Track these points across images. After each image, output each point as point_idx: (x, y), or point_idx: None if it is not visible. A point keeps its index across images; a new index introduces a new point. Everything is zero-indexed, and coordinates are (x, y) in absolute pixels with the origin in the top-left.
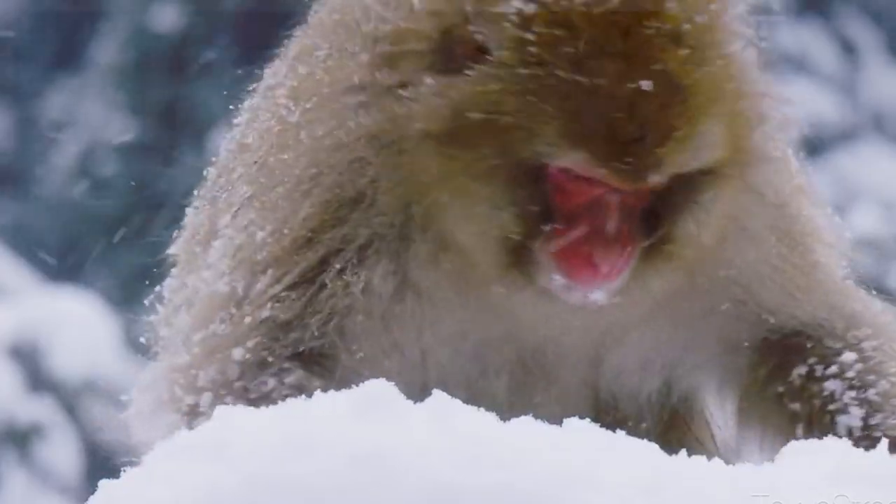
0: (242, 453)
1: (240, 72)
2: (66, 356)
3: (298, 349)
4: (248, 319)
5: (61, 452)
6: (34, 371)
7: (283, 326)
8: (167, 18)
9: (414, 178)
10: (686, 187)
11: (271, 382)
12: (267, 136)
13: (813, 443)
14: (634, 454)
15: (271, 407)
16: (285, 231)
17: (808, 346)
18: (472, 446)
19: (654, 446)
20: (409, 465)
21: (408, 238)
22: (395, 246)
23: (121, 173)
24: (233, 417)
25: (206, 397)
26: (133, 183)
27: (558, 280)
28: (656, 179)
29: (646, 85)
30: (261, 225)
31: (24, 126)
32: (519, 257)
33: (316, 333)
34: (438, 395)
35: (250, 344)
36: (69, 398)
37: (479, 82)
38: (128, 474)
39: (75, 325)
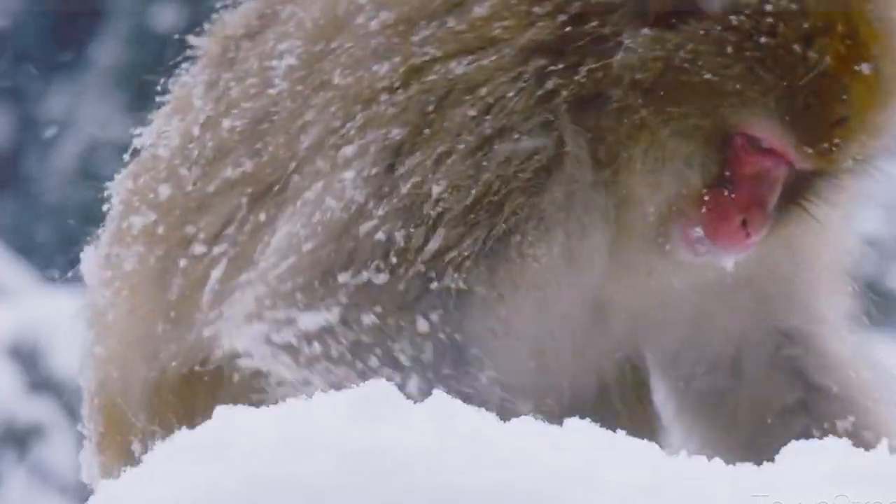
0: (242, 453)
1: None
2: (66, 356)
3: (469, 317)
4: (418, 277)
5: (61, 452)
6: (34, 371)
7: (462, 294)
8: (167, 18)
9: (612, 135)
10: (836, 174)
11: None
12: (421, 84)
13: (813, 443)
14: (634, 454)
15: (271, 407)
16: (470, 191)
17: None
18: (472, 446)
19: (654, 446)
20: (409, 465)
21: (590, 207)
22: (578, 216)
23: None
24: (233, 417)
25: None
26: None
27: (698, 234)
28: (844, 162)
29: (865, 67)
30: (431, 177)
31: (24, 126)
32: (674, 214)
33: (490, 301)
34: (438, 396)
35: (433, 317)
36: (69, 398)
37: (702, 41)
38: (128, 474)
39: (75, 325)
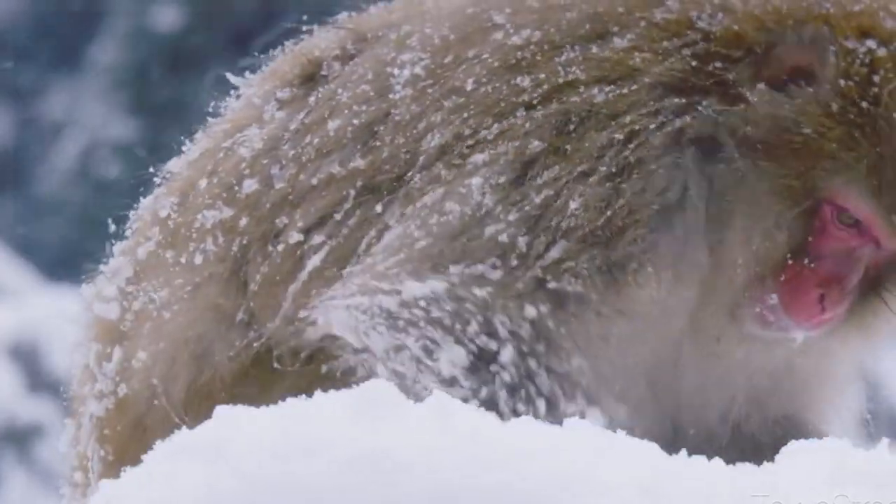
0: (242, 453)
1: (239, 70)
2: (66, 356)
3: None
4: (533, 281)
5: (61, 452)
6: (34, 371)
7: (570, 298)
8: (167, 18)
9: (720, 183)
10: None
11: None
12: (561, 104)
13: (813, 443)
14: (634, 454)
15: (271, 407)
16: (604, 212)
17: None
18: (472, 446)
19: (654, 446)
20: (409, 465)
21: (692, 257)
22: (686, 261)
23: (121, 173)
24: (233, 417)
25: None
26: (133, 183)
27: (773, 303)
28: None
29: None
30: (568, 193)
31: (24, 126)
32: (756, 282)
33: (597, 322)
34: (439, 395)
35: (543, 308)
36: (69, 398)
37: (810, 104)
38: (128, 474)
39: (75, 325)
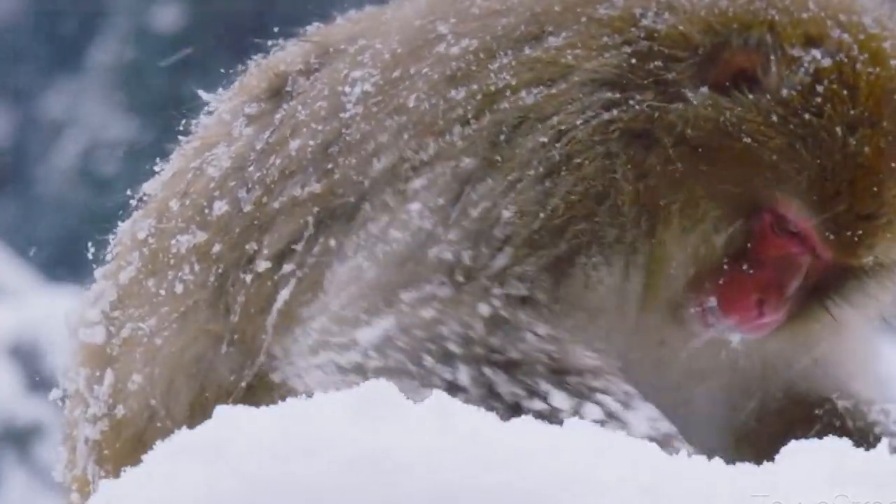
0: (242, 453)
1: (239, 70)
2: (66, 356)
3: (536, 329)
4: (481, 290)
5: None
6: (34, 371)
7: (524, 301)
8: (167, 18)
9: (654, 179)
10: (861, 275)
11: (521, 345)
12: (493, 114)
13: (813, 443)
14: (634, 454)
15: (271, 407)
16: (538, 216)
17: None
18: (472, 446)
19: (654, 446)
20: (409, 465)
21: (634, 246)
22: (628, 250)
23: (121, 173)
24: (233, 417)
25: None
26: (133, 183)
27: (711, 305)
28: (865, 258)
29: None
30: (502, 203)
31: (24, 126)
32: (694, 283)
33: (551, 317)
34: (439, 395)
35: (492, 308)
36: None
37: (752, 111)
38: (128, 474)
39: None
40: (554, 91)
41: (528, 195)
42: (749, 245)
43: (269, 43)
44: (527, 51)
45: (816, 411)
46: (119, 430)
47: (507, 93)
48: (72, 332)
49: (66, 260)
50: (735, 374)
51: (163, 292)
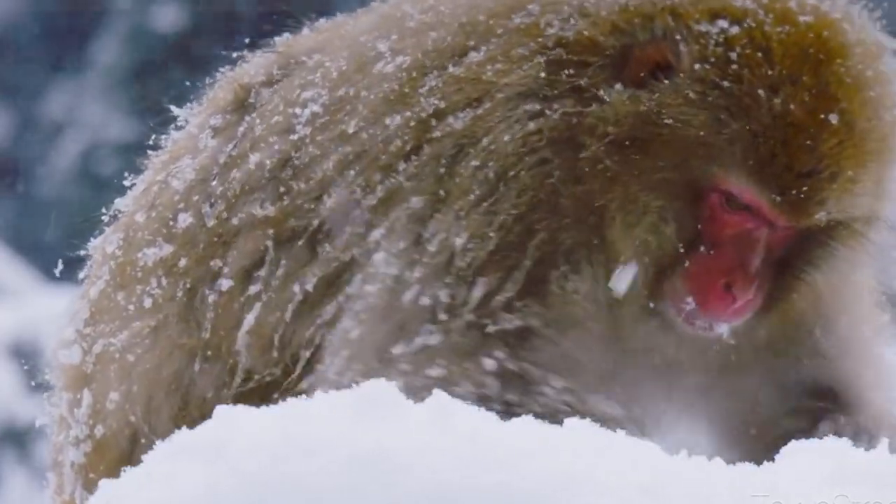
0: (242, 453)
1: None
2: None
3: (538, 357)
4: (470, 327)
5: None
6: (34, 371)
7: (522, 333)
8: (167, 18)
9: (588, 180)
10: (825, 238)
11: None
12: (431, 147)
13: (813, 443)
14: (634, 454)
15: (271, 407)
16: (489, 236)
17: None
18: (472, 446)
19: (654, 446)
20: (409, 465)
21: (592, 247)
22: (588, 252)
23: (121, 173)
24: (233, 417)
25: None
26: (133, 183)
27: (689, 306)
28: (818, 217)
29: (832, 118)
30: (453, 232)
31: (24, 126)
32: (659, 278)
33: (550, 339)
34: (438, 395)
35: (499, 354)
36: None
37: (671, 95)
38: (128, 474)
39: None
40: (480, 112)
41: (474, 219)
42: (701, 229)
43: (234, 55)
44: (451, 69)
45: (811, 401)
46: (102, 452)
47: (438, 119)
48: (53, 355)
49: (66, 260)
50: (728, 367)
51: (132, 307)
